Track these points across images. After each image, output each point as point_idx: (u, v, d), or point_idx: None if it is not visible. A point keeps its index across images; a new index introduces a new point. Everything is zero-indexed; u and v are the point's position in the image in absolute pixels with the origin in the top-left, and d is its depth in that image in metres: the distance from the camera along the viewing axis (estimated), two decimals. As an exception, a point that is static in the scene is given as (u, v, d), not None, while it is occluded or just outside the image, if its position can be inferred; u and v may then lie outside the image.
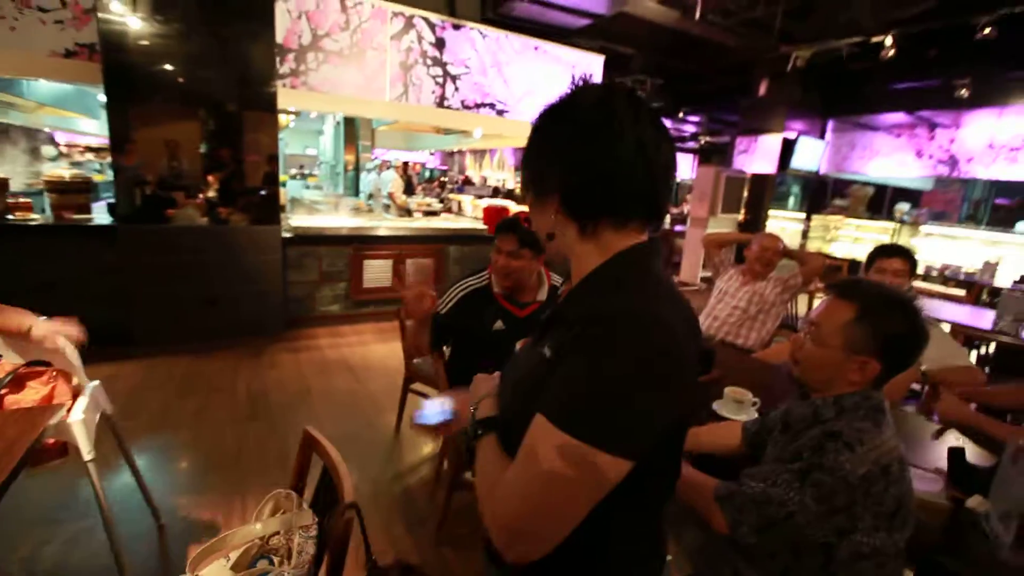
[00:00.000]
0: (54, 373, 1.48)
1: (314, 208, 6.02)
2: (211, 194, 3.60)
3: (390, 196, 7.52)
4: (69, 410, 1.45)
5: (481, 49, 4.61)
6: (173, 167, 3.48)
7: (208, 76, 3.44)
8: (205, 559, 1.03)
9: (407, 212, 6.43)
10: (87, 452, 1.43)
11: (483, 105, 4.76)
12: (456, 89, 4.58)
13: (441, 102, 4.54)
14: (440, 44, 4.41)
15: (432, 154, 15.21)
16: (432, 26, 4.34)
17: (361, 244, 4.38)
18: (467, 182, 12.24)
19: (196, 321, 3.70)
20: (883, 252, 2.15)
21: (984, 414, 1.63)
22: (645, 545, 0.71)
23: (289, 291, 4.12)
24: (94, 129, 9.54)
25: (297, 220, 4.43)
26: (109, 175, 6.73)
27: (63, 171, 3.56)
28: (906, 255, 2.11)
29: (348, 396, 3.15)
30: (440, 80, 4.49)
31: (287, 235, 4.01)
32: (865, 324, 0.94)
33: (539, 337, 0.72)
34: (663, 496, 0.70)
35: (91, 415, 1.49)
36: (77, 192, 3.52)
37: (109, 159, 8.07)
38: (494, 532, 0.60)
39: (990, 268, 4.54)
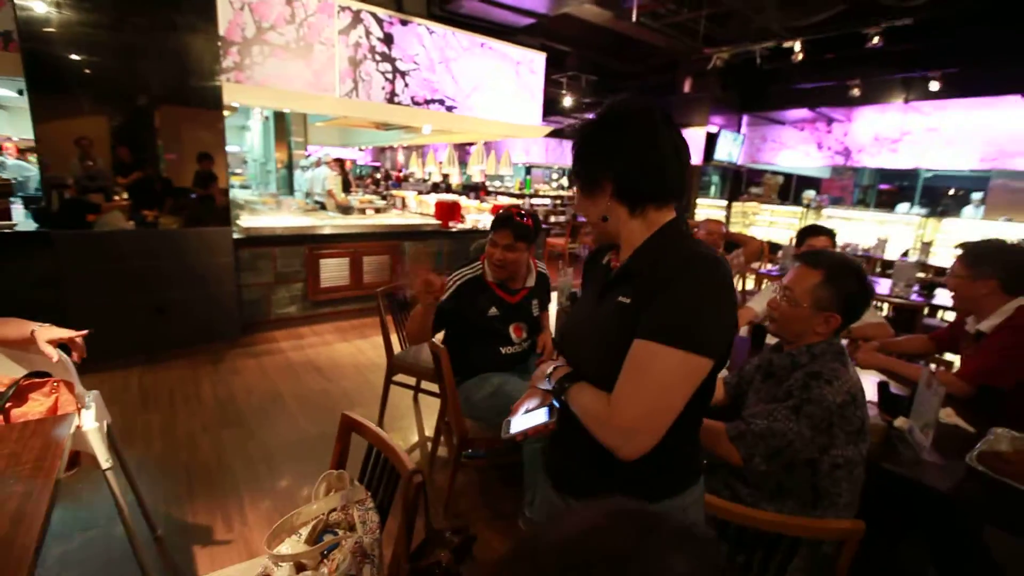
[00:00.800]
0: (55, 384, 1.43)
1: (253, 208, 5.75)
2: (142, 195, 3.39)
3: (329, 194, 7.31)
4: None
5: (429, 45, 4.65)
6: (89, 167, 3.21)
7: (144, 69, 3.23)
8: (277, 537, 1.09)
9: (347, 210, 6.29)
10: (104, 460, 1.40)
11: (433, 101, 4.81)
12: (406, 85, 4.59)
13: (391, 98, 4.54)
14: (388, 40, 4.40)
15: (363, 150, 14.80)
16: (380, 21, 4.32)
17: (316, 243, 4.30)
18: (403, 178, 12.09)
19: (146, 331, 3.49)
20: (811, 232, 2.54)
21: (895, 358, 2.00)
22: (691, 447, 0.93)
23: (243, 295, 3.98)
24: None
25: (247, 221, 4.26)
26: None
27: (-26, 173, 3.20)
28: (828, 233, 2.52)
29: (322, 396, 3.14)
30: (390, 76, 4.48)
31: (237, 236, 3.86)
32: (829, 286, 1.19)
33: (603, 295, 0.91)
34: (706, 404, 0.90)
35: (101, 423, 1.47)
36: (-7, 197, 3.19)
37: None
38: (615, 436, 0.79)
39: (881, 244, 5.30)
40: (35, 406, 1.37)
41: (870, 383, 1.70)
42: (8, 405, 1.31)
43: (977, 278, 1.75)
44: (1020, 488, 1.15)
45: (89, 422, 1.41)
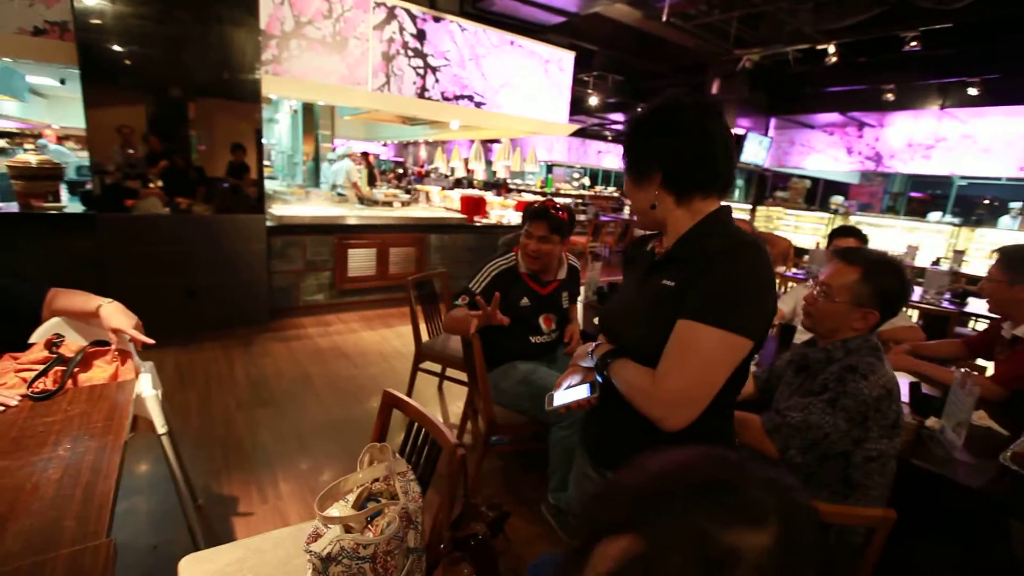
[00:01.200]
0: (115, 352, 1.52)
1: (283, 199, 5.89)
2: (179, 182, 3.50)
3: (354, 186, 7.43)
4: (136, 386, 1.50)
5: (460, 42, 4.71)
6: (130, 155, 3.33)
7: (190, 61, 3.36)
8: (327, 501, 1.15)
9: (369, 202, 6.38)
10: (161, 425, 1.49)
11: (462, 97, 4.87)
12: (436, 81, 4.67)
13: (422, 93, 4.61)
14: (421, 36, 4.48)
15: (385, 145, 14.97)
16: (413, 18, 4.39)
17: (344, 234, 4.40)
18: (424, 174, 12.23)
19: (180, 313, 3.63)
20: (840, 232, 2.56)
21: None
22: (725, 421, 0.98)
23: (273, 281, 4.09)
24: (14, 112, 8.77)
25: (279, 210, 4.39)
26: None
27: (29, 156, 3.37)
28: (858, 235, 2.52)
29: (350, 381, 3.23)
30: (421, 71, 4.56)
31: (270, 224, 3.98)
32: (868, 282, 1.21)
33: (646, 278, 0.96)
34: (741, 381, 0.94)
35: (157, 391, 1.55)
36: (45, 179, 3.35)
37: (29, 145, 7.50)
38: (659, 408, 0.84)
39: (912, 251, 5.20)
40: (99, 372, 1.46)
41: (902, 384, 1.71)
42: (75, 370, 1.41)
43: (1015, 283, 1.74)
44: (1055, 488, 1.15)
45: (148, 389, 1.50)
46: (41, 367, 1.36)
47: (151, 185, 3.43)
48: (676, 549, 0.31)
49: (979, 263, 5.67)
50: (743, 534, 0.31)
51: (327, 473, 2.27)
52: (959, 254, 5.15)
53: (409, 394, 2.88)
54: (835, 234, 2.59)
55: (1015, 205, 6.18)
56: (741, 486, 0.35)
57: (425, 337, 2.83)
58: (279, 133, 10.39)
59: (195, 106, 3.47)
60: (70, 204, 3.60)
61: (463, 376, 2.86)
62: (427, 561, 1.18)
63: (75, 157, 7.10)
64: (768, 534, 0.31)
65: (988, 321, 3.09)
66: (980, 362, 2.19)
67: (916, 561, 1.38)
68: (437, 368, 3.09)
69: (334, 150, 9.52)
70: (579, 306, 2.43)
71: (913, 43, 4.56)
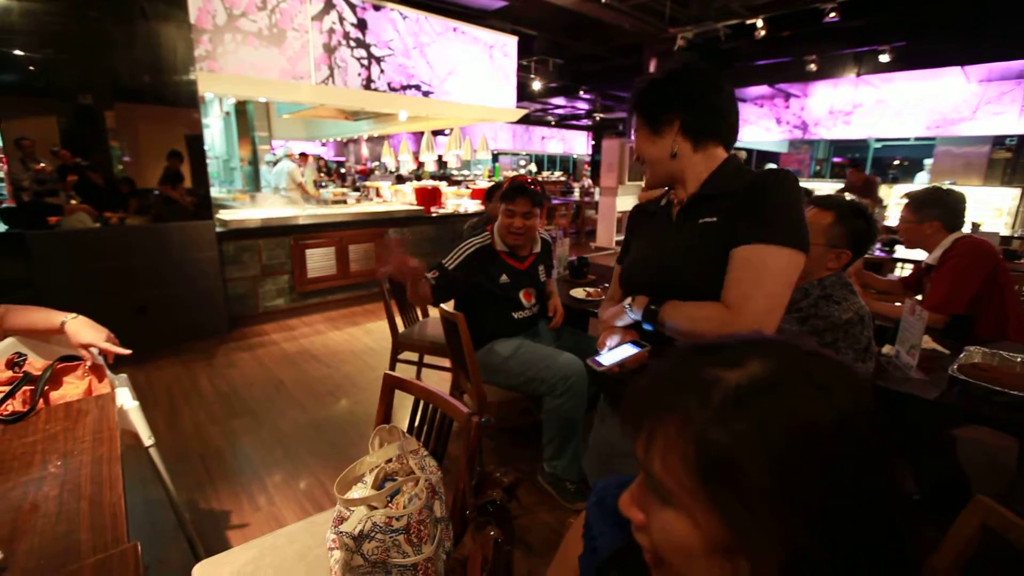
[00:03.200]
0: (87, 366, 1.43)
1: (225, 206, 5.60)
2: (112, 194, 3.27)
3: (300, 187, 7.15)
4: (115, 400, 1.42)
5: (403, 31, 4.62)
6: (40, 168, 3.04)
7: (116, 63, 3.12)
8: (345, 485, 1.15)
9: (320, 202, 6.19)
10: (147, 437, 1.43)
11: (409, 87, 4.79)
12: (382, 71, 4.56)
13: (368, 84, 4.50)
14: (362, 25, 4.36)
15: (324, 144, 14.47)
16: (353, 6, 4.26)
17: (300, 234, 4.25)
18: (368, 172, 11.97)
19: (131, 331, 3.36)
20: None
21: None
22: None
23: (229, 289, 3.91)
24: None
25: (229, 214, 4.18)
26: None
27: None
28: (806, 193, 2.71)
29: (325, 382, 3.15)
30: (365, 62, 4.44)
31: (220, 230, 3.79)
32: (841, 225, 1.33)
33: (676, 225, 1.02)
34: None
35: (137, 402, 1.48)
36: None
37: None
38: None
39: (842, 210, 5.68)
40: (71, 388, 1.37)
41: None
42: (46, 388, 1.31)
43: (923, 221, 1.98)
44: (995, 389, 1.31)
45: (128, 400, 1.42)
46: (7, 388, 1.26)
47: (73, 201, 3.17)
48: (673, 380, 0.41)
49: (899, 215, 6.22)
50: (724, 370, 0.39)
51: (319, 472, 2.22)
52: (882, 209, 5.63)
53: (391, 387, 2.85)
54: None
55: (928, 161, 6.81)
56: (727, 345, 0.42)
57: (401, 328, 2.80)
58: (212, 138, 9.80)
59: (123, 112, 3.22)
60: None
61: (442, 362, 2.87)
62: (453, 528, 1.20)
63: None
64: (747, 371, 0.38)
65: (913, 264, 3.45)
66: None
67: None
68: (414, 357, 3.07)
69: (273, 152, 9.10)
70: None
71: (832, 14, 4.90)
